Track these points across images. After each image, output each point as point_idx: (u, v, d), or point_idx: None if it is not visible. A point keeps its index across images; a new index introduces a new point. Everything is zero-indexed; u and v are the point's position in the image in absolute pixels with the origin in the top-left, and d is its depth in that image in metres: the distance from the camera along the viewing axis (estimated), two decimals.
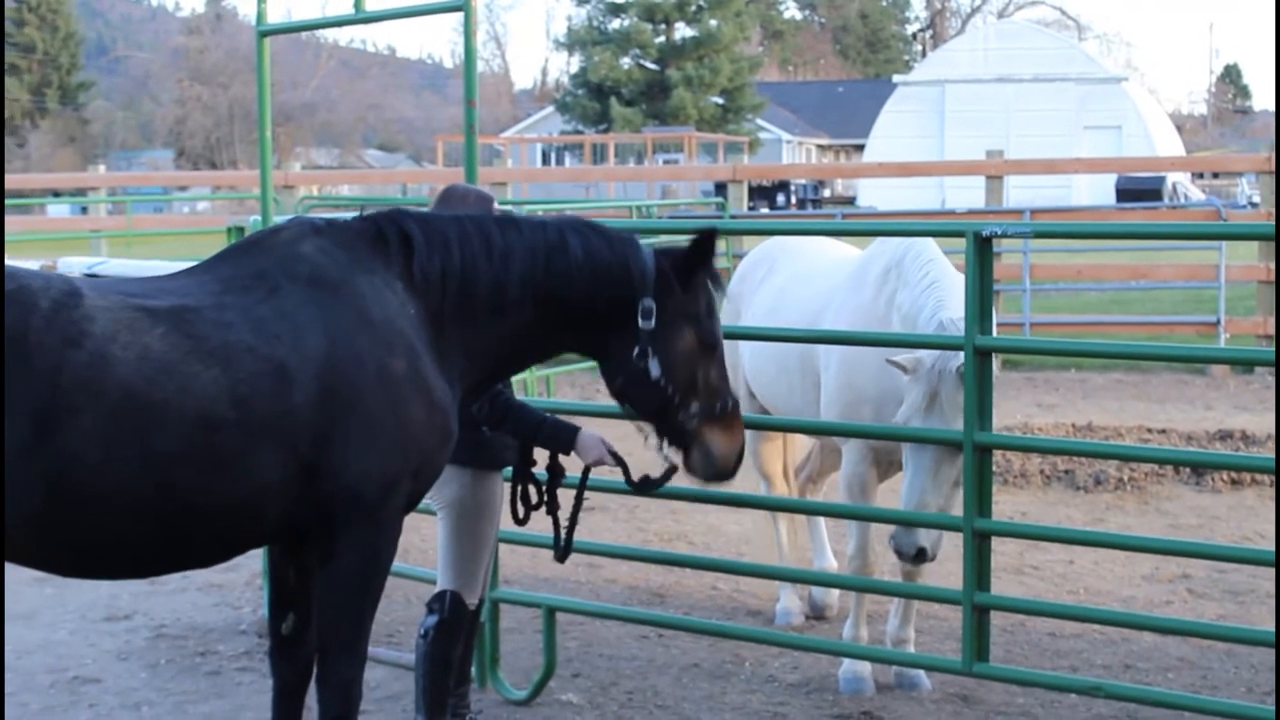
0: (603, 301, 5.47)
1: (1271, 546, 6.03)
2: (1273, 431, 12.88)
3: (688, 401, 5.51)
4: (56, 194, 35.43)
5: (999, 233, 6.12)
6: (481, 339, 5.40)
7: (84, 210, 31.94)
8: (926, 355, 6.58)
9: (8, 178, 36.11)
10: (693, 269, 5.52)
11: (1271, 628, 6.08)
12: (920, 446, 6.61)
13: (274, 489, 4.91)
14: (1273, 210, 18.05)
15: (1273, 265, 17.27)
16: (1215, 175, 52.80)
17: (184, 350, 4.78)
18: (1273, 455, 6.02)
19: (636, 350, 5.47)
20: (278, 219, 8.18)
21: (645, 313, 5.45)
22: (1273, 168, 18.25)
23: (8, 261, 4.96)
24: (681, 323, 5.51)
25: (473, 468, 6.09)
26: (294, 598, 5.52)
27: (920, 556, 6.57)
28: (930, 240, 7.17)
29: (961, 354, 6.30)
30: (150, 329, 4.77)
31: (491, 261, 5.39)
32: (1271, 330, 17.08)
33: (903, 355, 6.63)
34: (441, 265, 5.32)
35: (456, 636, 6.24)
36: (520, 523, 6.19)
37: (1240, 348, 14.81)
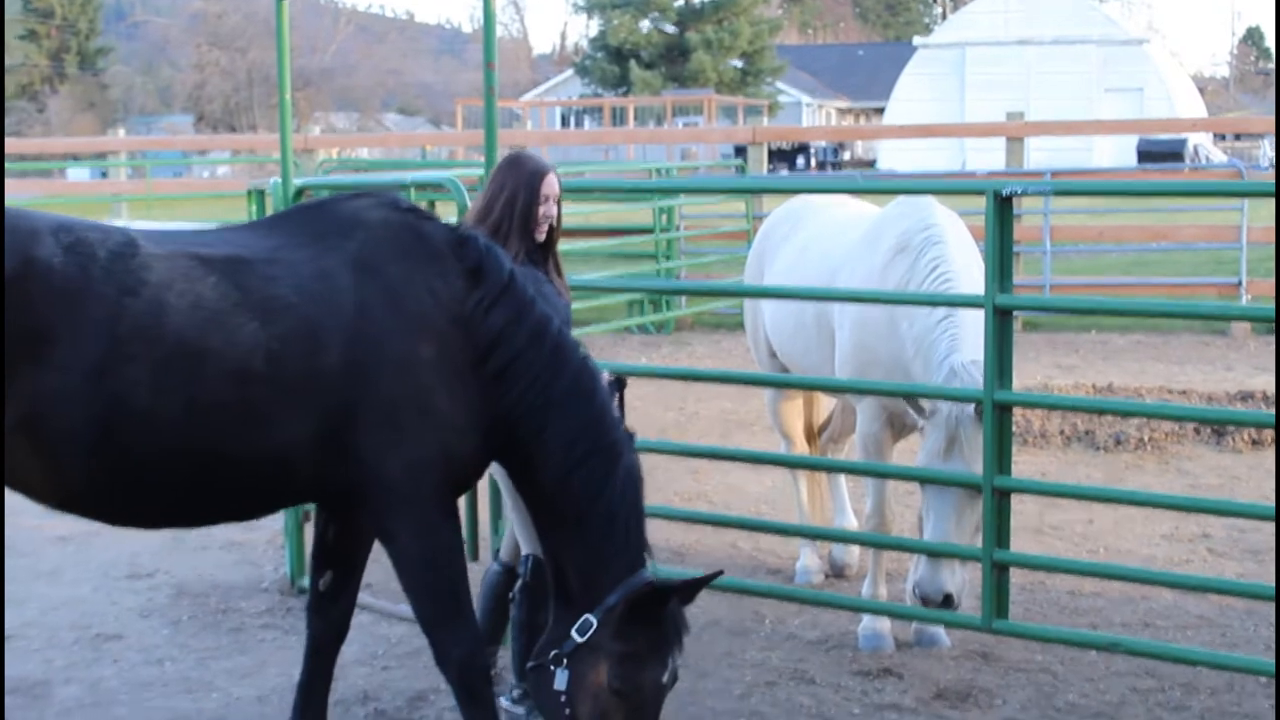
0: (575, 553, 5.21)
1: None
2: None
3: None
4: (76, 158, 35.46)
5: (1019, 191, 6.11)
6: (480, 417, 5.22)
7: (104, 174, 31.94)
8: (944, 402, 6.59)
9: (27, 142, 36.16)
10: (640, 613, 5.07)
11: None
12: (941, 492, 6.63)
13: (304, 447, 4.95)
14: None
15: None
16: (1237, 137, 52.49)
17: (232, 301, 4.85)
18: None
19: (554, 651, 5.17)
20: (297, 181, 8.22)
21: (583, 627, 5.13)
22: None
23: (181, 211, 5.08)
24: (602, 657, 5.09)
25: None
26: (333, 556, 5.57)
27: (947, 603, 6.59)
28: (943, 220, 7.14)
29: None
30: (204, 277, 4.85)
31: (550, 386, 5.21)
32: None
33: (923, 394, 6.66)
34: (499, 331, 5.18)
35: (541, 600, 6.27)
36: None
37: (1261, 306, 14.75)
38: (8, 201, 4.86)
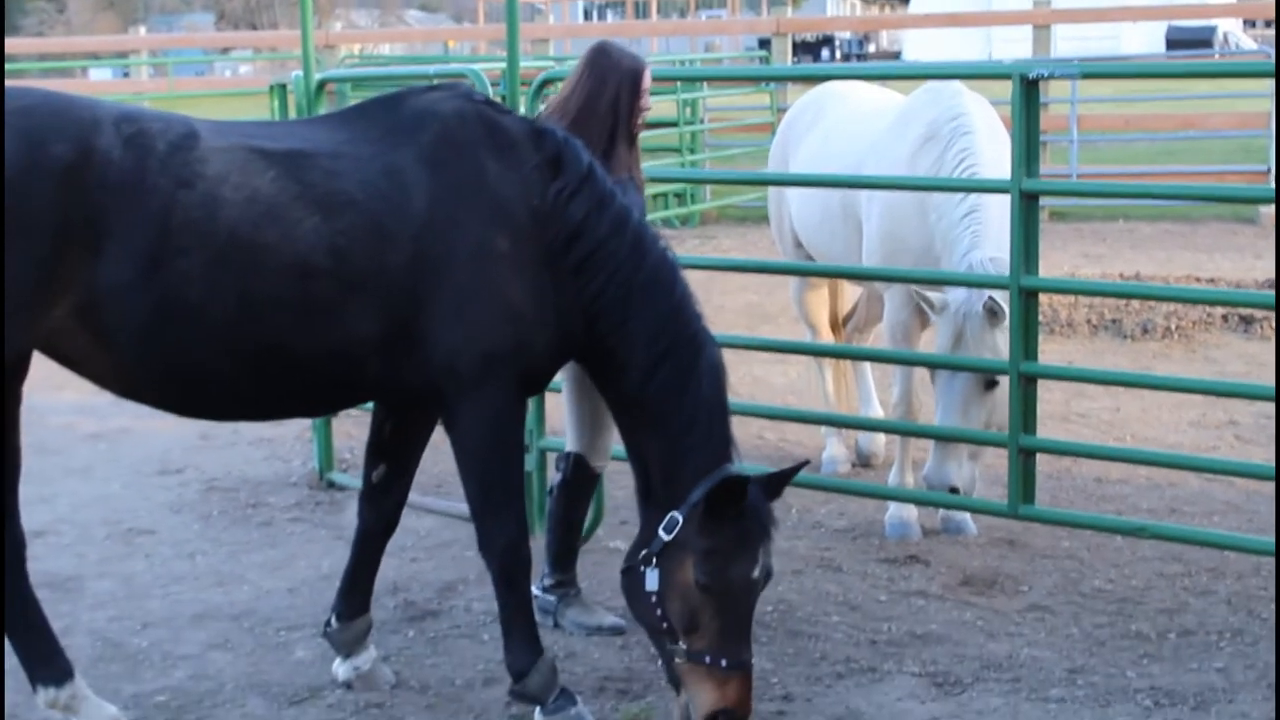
0: (659, 439, 5.11)
1: None
2: None
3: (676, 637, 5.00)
4: (97, 58, 35.33)
5: (1045, 75, 6.05)
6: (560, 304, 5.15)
7: (125, 74, 31.87)
8: (953, 296, 6.57)
9: (49, 41, 36.05)
10: (718, 503, 4.94)
11: None
12: (950, 383, 6.63)
13: (371, 344, 4.93)
14: None
15: None
16: (1269, 24, 51.84)
17: (291, 195, 4.82)
18: None
19: (644, 551, 5.08)
20: (318, 75, 8.18)
21: (669, 525, 5.02)
22: None
23: (203, 109, 5.09)
24: (689, 554, 4.98)
25: None
26: (387, 450, 5.60)
27: (954, 494, 6.63)
28: (972, 108, 7.07)
29: (987, 294, 6.35)
30: (263, 172, 4.82)
31: (631, 276, 5.14)
32: None
33: (932, 293, 6.64)
34: (579, 222, 5.11)
35: (578, 497, 6.30)
36: None
37: None
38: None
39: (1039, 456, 6.52)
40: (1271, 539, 6.75)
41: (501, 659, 5.43)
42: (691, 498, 4.99)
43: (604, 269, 5.10)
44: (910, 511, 7.34)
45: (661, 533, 5.00)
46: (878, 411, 8.76)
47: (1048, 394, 9.22)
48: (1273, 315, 11.35)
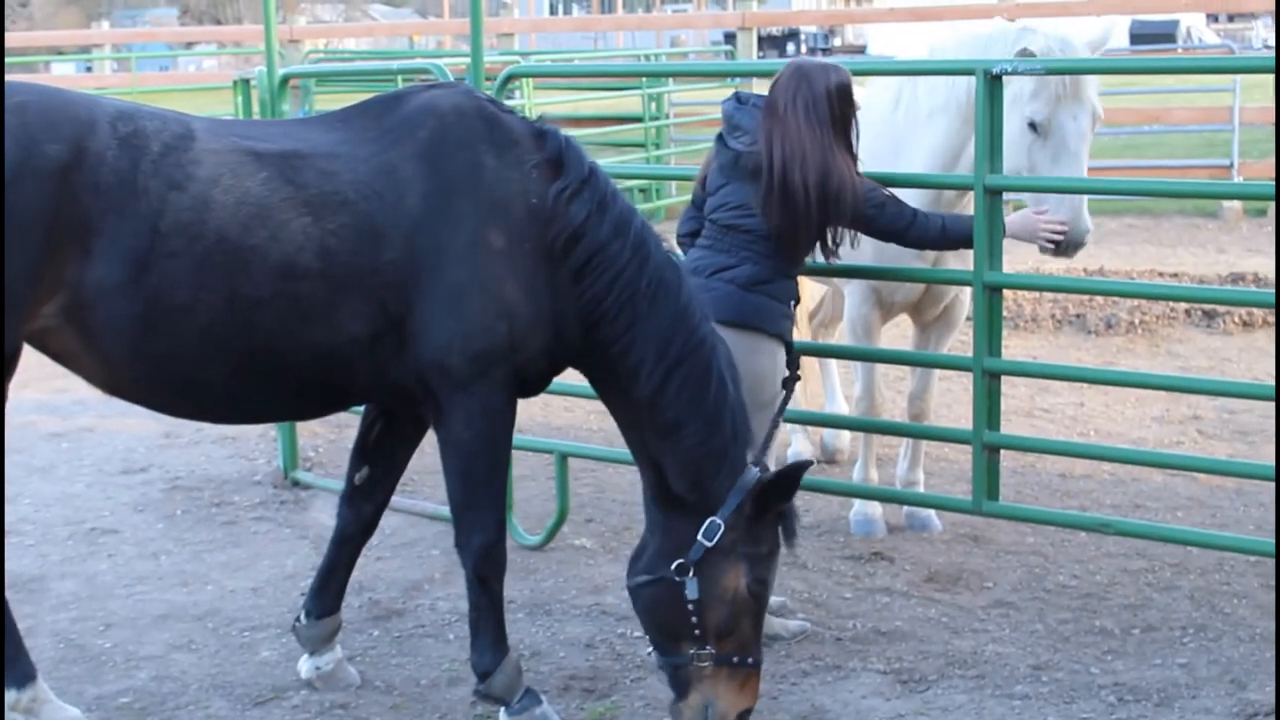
0: (681, 457, 5.03)
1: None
2: None
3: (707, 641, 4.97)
4: (60, 53, 35.15)
5: (1009, 70, 6.04)
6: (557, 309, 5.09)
7: (88, 68, 31.72)
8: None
9: (11, 36, 35.82)
10: (767, 504, 4.96)
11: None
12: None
13: (363, 344, 4.90)
14: None
15: None
16: (1230, 19, 52.08)
17: (281, 196, 4.79)
18: None
19: (679, 561, 4.96)
20: (282, 71, 8.15)
21: (709, 531, 4.95)
22: None
23: (130, 100, 5.07)
24: (736, 560, 4.96)
25: (752, 331, 5.67)
26: (373, 453, 5.58)
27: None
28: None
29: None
30: (255, 173, 4.80)
31: (635, 280, 5.06)
32: None
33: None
34: (580, 223, 5.05)
35: None
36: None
37: (1251, 182, 14.70)
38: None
39: (1003, 452, 6.53)
40: (1235, 535, 6.80)
41: (467, 658, 5.42)
42: (730, 503, 4.95)
43: (606, 272, 5.04)
44: (875, 508, 7.35)
45: (702, 539, 4.93)
46: (842, 407, 8.78)
47: (1012, 389, 9.25)
48: (1235, 311, 11.39)
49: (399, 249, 4.89)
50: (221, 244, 4.72)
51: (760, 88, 6.45)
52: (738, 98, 5.98)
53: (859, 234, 5.90)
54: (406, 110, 5.10)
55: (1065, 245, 6.14)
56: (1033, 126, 6.24)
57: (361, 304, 4.87)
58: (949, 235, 5.97)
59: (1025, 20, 8.58)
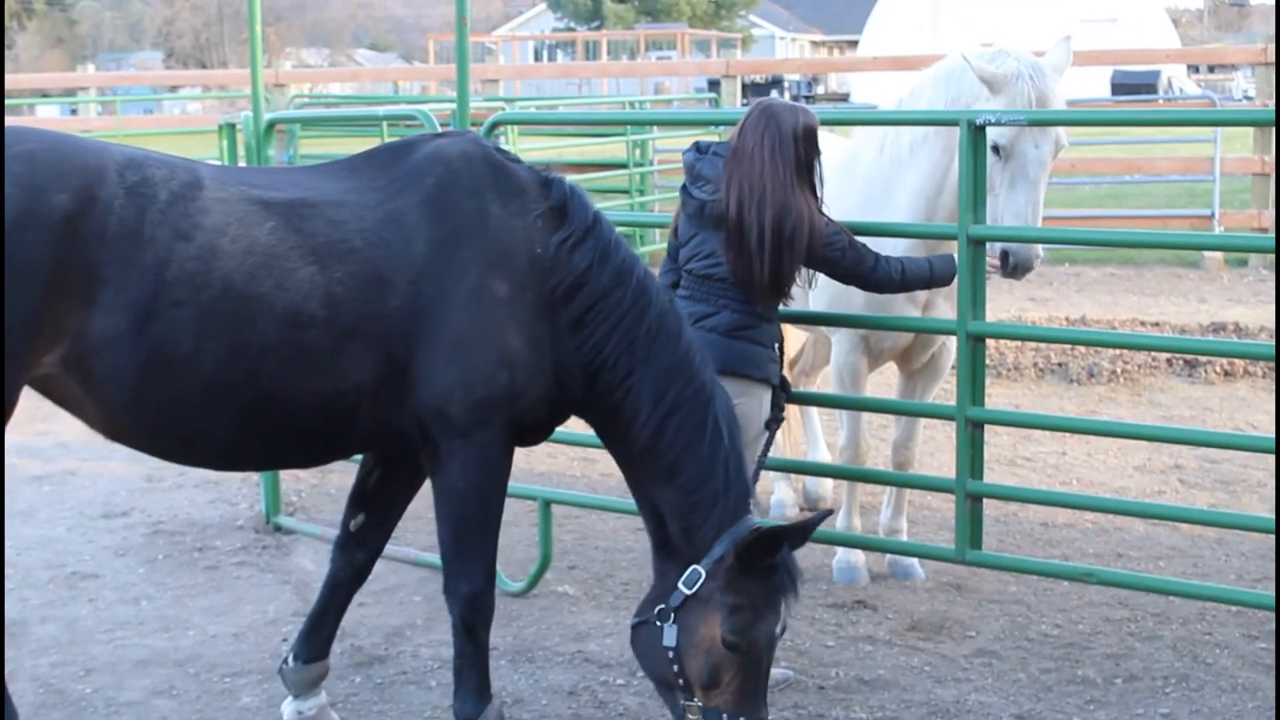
0: (672, 496, 5.09)
1: (1266, 434, 6.05)
2: (1266, 324, 12.92)
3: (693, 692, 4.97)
4: (46, 95, 35.19)
5: (992, 120, 6.08)
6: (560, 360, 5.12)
7: (73, 111, 31.72)
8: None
9: None
10: (751, 558, 4.90)
11: (1264, 514, 6.10)
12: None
13: (366, 391, 4.90)
14: (1269, 103, 17.92)
15: (1268, 157, 17.18)
16: (1211, 70, 52.50)
17: (288, 245, 4.79)
18: (1270, 343, 6.01)
19: (661, 606, 5.03)
20: (268, 116, 8.17)
21: (690, 579, 4.99)
22: (1270, 59, 18.05)
23: (152, 148, 5.06)
24: (714, 609, 4.94)
25: (738, 378, 5.72)
26: (369, 501, 5.57)
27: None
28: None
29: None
30: (262, 222, 4.80)
31: (635, 328, 5.11)
32: (1266, 223, 17.02)
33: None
34: (582, 272, 5.08)
35: None
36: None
37: (1233, 235, 14.78)
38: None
39: (986, 501, 6.54)
40: (1217, 585, 6.81)
41: (449, 705, 5.41)
42: (714, 551, 4.95)
43: (606, 320, 5.07)
44: (858, 556, 7.35)
45: (682, 586, 4.96)
46: (825, 455, 8.79)
47: (995, 438, 9.26)
48: (1217, 360, 11.44)
49: (404, 296, 4.90)
50: (228, 293, 4.71)
51: None
52: (697, 147, 6.00)
53: (816, 274, 5.93)
54: (415, 158, 5.12)
55: (1014, 266, 6.22)
56: (995, 150, 6.29)
57: (366, 351, 4.87)
58: (907, 279, 6.02)
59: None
